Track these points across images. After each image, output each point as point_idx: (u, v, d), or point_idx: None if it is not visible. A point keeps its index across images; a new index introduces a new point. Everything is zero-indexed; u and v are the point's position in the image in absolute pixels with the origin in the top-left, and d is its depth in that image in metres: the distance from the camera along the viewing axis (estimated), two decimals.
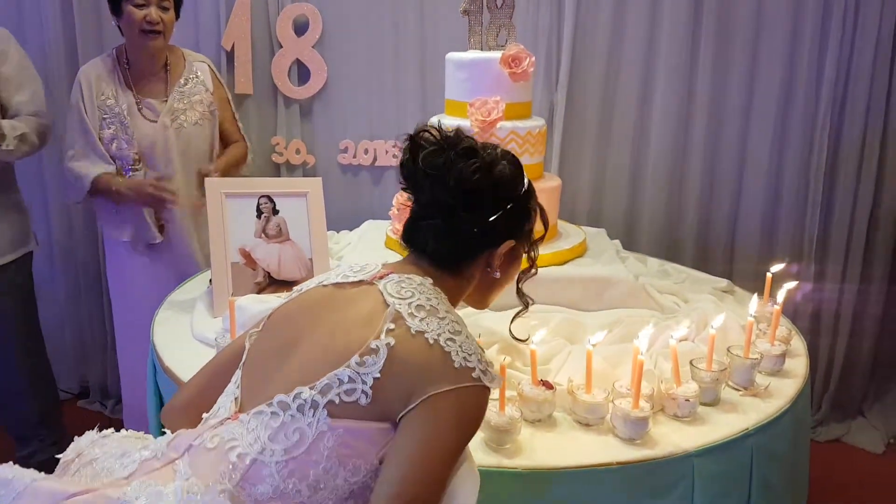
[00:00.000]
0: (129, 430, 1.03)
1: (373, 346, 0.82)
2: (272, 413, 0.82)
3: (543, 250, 1.66)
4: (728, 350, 1.37)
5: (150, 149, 1.96)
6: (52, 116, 2.00)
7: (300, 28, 2.32)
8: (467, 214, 0.93)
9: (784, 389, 1.36)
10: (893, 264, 2.37)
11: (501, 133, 1.63)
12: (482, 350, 0.88)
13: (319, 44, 2.33)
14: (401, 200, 1.79)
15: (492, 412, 1.14)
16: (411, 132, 0.97)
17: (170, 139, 1.97)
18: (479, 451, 1.12)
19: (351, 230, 2.14)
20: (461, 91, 1.70)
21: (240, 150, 2.12)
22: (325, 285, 0.96)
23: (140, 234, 2.01)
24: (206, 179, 1.71)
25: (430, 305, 0.88)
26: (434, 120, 1.74)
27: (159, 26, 1.89)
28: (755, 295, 1.51)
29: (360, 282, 0.94)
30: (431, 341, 0.83)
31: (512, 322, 1.10)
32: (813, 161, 2.28)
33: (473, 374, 0.83)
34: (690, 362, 1.31)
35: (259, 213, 1.70)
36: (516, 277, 1.05)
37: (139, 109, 1.97)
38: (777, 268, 1.64)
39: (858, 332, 2.43)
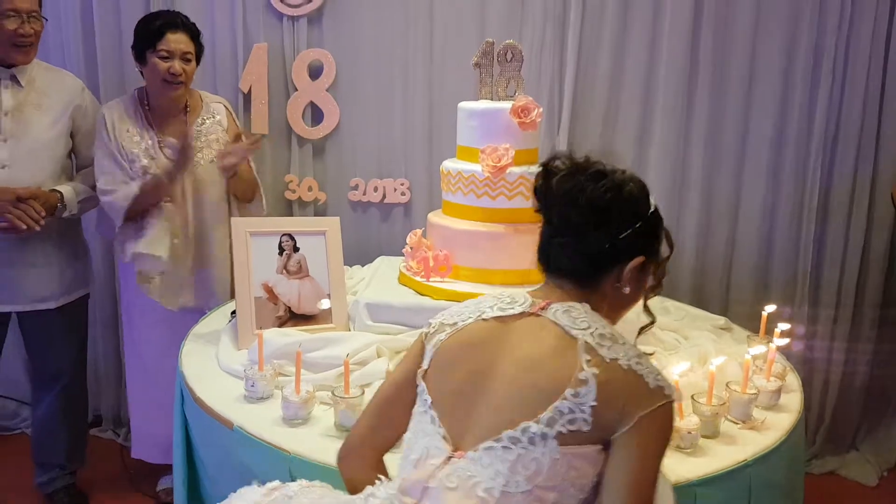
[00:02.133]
0: (301, 480, 1.09)
1: (581, 377, 0.89)
2: (503, 447, 0.89)
3: None
4: (727, 385, 1.45)
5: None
6: None
7: (315, 72, 2.44)
8: (597, 232, 0.98)
9: (780, 423, 1.44)
10: (883, 303, 2.46)
11: (511, 178, 1.73)
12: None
13: (333, 87, 2.44)
14: (413, 240, 1.88)
15: None
16: (544, 161, 1.04)
17: (186, 176, 2.05)
18: None
19: (362, 265, 2.23)
20: (472, 138, 1.80)
21: (254, 184, 2.20)
22: (485, 319, 0.99)
23: (150, 245, 2.01)
24: (233, 219, 1.80)
25: (609, 332, 0.94)
26: (448, 153, 1.85)
27: (182, 77, 1.99)
28: (750, 335, 1.60)
29: (523, 314, 0.98)
30: (625, 367, 0.90)
31: (638, 336, 1.15)
32: (805, 204, 2.38)
33: (665, 392, 0.90)
34: (692, 396, 1.39)
35: (281, 250, 1.79)
36: (644, 293, 1.07)
37: (161, 148, 2.07)
38: (771, 308, 1.73)
39: (851, 368, 2.51)
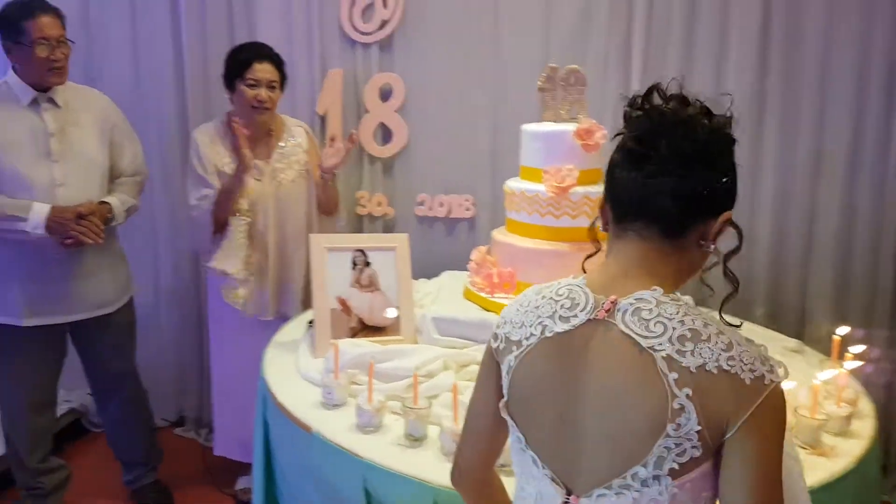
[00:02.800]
0: None
1: (676, 406, 0.81)
2: (616, 494, 0.84)
3: None
4: (795, 410, 1.42)
5: (253, 204, 2.20)
6: (148, 170, 2.28)
7: (385, 95, 2.56)
8: (703, 171, 0.88)
9: (851, 450, 1.42)
10: None
11: (574, 197, 1.78)
12: (754, 344, 0.85)
13: (402, 109, 2.56)
14: (478, 256, 1.96)
15: None
16: (638, 94, 0.93)
17: (269, 194, 2.21)
18: None
19: (428, 278, 2.32)
20: (536, 159, 1.86)
21: (338, 195, 2.35)
22: (548, 336, 0.90)
23: (225, 262, 2.17)
24: (311, 235, 1.94)
25: (689, 329, 0.84)
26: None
27: (268, 104, 2.15)
28: (822, 359, 1.57)
29: (588, 321, 0.88)
30: (716, 371, 0.81)
31: (722, 307, 0.96)
32: (886, 220, 2.29)
33: (765, 381, 0.81)
34: None
35: (354, 265, 1.90)
36: (724, 256, 0.95)
37: None
38: (843, 330, 1.70)
39: None
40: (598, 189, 1.81)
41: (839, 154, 2.31)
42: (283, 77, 2.22)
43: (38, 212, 1.92)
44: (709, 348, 0.82)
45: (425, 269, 2.40)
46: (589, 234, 1.03)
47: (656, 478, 0.82)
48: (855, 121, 2.28)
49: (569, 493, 0.89)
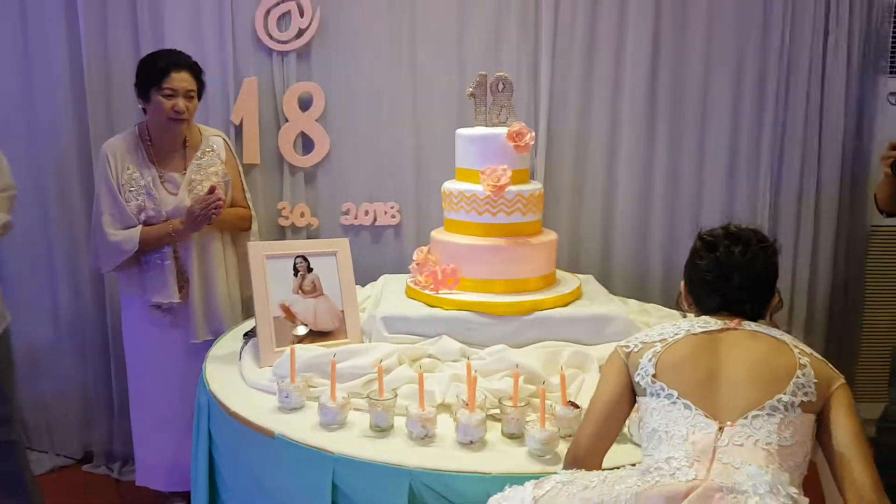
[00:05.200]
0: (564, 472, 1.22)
1: (802, 362, 1.22)
2: (768, 414, 1.18)
3: (548, 294, 1.92)
4: None
5: (171, 217, 2.11)
6: (17, 186, 2.01)
7: (304, 104, 2.55)
8: (766, 290, 1.34)
9: None
10: (831, 307, 2.72)
11: (509, 195, 1.89)
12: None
13: (322, 117, 2.56)
14: (420, 256, 2.01)
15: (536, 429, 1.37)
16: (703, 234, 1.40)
17: (185, 208, 2.11)
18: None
19: (362, 286, 2.33)
20: (471, 160, 1.95)
21: (245, 212, 2.29)
22: (695, 334, 1.28)
23: (161, 295, 2.12)
24: (249, 244, 1.90)
25: (792, 338, 1.29)
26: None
27: (185, 114, 2.08)
28: None
29: (723, 329, 1.28)
30: (819, 358, 1.25)
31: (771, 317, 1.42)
32: (758, 211, 2.64)
33: (839, 373, 1.26)
34: None
35: (296, 271, 1.88)
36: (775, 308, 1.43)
37: (162, 183, 2.14)
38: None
39: None
40: (528, 188, 1.96)
41: (720, 158, 2.62)
42: (200, 86, 2.15)
43: None
44: (809, 348, 1.27)
45: (355, 277, 2.40)
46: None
47: (793, 405, 1.19)
48: (731, 131, 2.61)
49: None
